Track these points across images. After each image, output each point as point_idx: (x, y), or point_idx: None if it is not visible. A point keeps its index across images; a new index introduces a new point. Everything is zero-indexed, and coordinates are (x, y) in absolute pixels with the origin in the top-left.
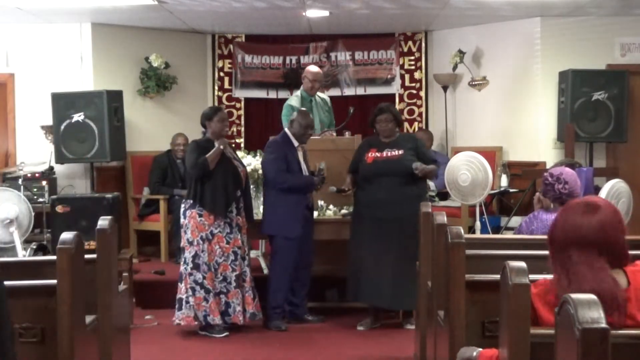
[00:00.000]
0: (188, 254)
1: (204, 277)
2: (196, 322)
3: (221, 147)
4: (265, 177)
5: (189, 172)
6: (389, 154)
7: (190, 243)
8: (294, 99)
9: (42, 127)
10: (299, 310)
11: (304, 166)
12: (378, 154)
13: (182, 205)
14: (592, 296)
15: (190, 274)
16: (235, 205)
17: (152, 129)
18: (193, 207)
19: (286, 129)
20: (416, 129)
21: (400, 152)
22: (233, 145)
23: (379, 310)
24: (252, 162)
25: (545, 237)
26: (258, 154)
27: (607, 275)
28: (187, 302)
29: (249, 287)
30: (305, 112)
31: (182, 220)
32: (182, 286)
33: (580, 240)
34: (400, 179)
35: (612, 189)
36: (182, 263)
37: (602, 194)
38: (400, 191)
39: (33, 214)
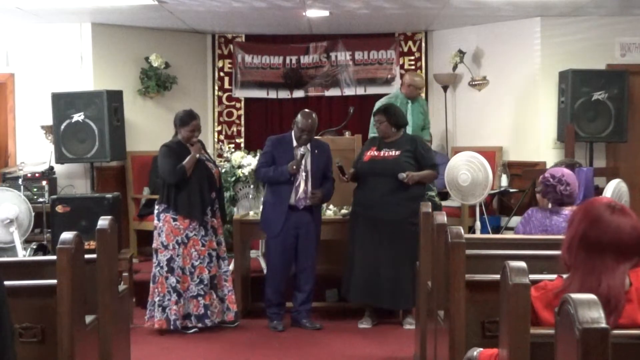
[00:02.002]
0: (162, 257)
1: (178, 282)
2: (170, 326)
3: (197, 156)
4: None
5: (163, 179)
6: (386, 154)
7: (165, 247)
8: (391, 98)
9: (42, 127)
10: (296, 315)
11: (305, 167)
12: (376, 153)
13: (157, 208)
14: (592, 296)
15: (166, 278)
16: (211, 207)
17: (152, 129)
18: (167, 212)
19: (293, 131)
20: None
21: (397, 152)
22: (233, 145)
23: (376, 308)
24: (252, 162)
25: (546, 237)
26: (258, 154)
27: (624, 279)
28: (162, 306)
29: (231, 287)
30: (307, 114)
31: (155, 222)
32: (156, 289)
33: (620, 244)
34: (394, 179)
35: (616, 189)
36: (154, 265)
37: (607, 194)
38: (394, 192)
39: (33, 214)
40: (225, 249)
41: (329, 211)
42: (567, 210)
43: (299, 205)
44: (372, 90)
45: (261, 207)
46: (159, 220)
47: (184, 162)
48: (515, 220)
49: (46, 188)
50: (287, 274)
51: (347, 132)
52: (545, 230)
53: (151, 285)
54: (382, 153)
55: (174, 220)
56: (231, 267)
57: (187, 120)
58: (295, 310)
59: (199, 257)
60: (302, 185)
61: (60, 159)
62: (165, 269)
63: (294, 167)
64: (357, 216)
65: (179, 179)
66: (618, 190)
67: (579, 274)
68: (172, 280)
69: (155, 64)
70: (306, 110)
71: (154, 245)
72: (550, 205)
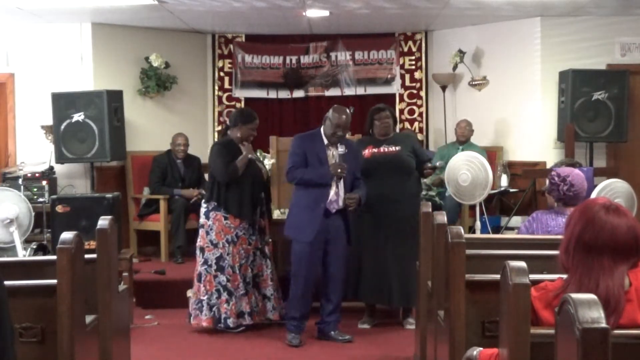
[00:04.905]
0: (211, 256)
1: (228, 280)
2: (219, 324)
3: (250, 155)
4: None
5: (217, 177)
6: (386, 149)
7: (215, 245)
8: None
9: (42, 127)
10: (325, 327)
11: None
12: (375, 150)
13: (204, 206)
14: (592, 296)
15: (215, 276)
16: (259, 207)
17: (152, 129)
18: (217, 210)
19: (321, 127)
20: (417, 129)
21: (398, 148)
22: None
23: (375, 308)
24: None
25: (546, 237)
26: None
27: (622, 280)
28: (209, 304)
29: (276, 286)
30: (341, 109)
31: (203, 220)
32: (202, 287)
33: (616, 244)
34: (398, 173)
35: (606, 189)
36: (201, 263)
37: (594, 193)
38: (398, 188)
39: (33, 213)
40: (268, 250)
41: None
42: (570, 211)
43: (332, 208)
44: (372, 90)
45: (287, 210)
46: (207, 218)
47: (236, 161)
48: (515, 220)
49: (46, 188)
50: (314, 283)
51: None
52: (548, 232)
53: (196, 283)
54: (382, 149)
55: (225, 218)
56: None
57: (250, 118)
58: (323, 322)
59: (246, 255)
60: (334, 187)
61: (60, 159)
62: (214, 267)
63: (339, 170)
64: (362, 214)
65: (231, 178)
66: (609, 190)
67: (577, 275)
68: (222, 278)
69: (155, 64)
70: (339, 105)
71: (200, 243)
72: (555, 205)
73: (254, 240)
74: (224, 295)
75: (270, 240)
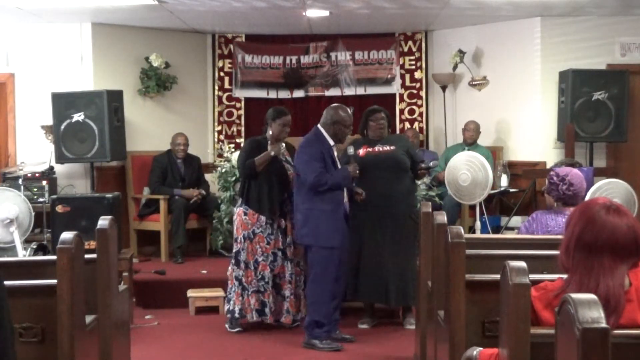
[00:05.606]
0: (234, 250)
1: (242, 275)
2: (228, 315)
3: (272, 153)
4: (303, 181)
5: (239, 171)
6: (381, 149)
7: (235, 240)
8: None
9: (42, 127)
10: None
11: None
12: (370, 149)
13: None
14: (593, 296)
15: (234, 270)
16: (281, 207)
17: (152, 129)
18: (241, 206)
19: (319, 126)
20: (417, 129)
21: (392, 147)
22: (233, 145)
23: (374, 308)
24: None
25: (546, 237)
26: None
27: (622, 280)
28: (228, 297)
29: (293, 289)
30: (344, 108)
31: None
32: (229, 281)
33: (616, 244)
34: (393, 171)
35: (601, 189)
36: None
37: (588, 194)
38: (394, 186)
39: (33, 213)
40: (294, 252)
41: None
42: (570, 211)
43: (347, 209)
44: (372, 90)
45: (302, 217)
46: (234, 214)
47: (256, 157)
48: (515, 220)
49: (46, 188)
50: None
51: None
52: (548, 232)
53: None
54: (376, 148)
55: (245, 214)
56: (230, 268)
57: (280, 114)
58: None
59: (263, 254)
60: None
61: (60, 159)
62: (234, 261)
63: (357, 170)
64: (359, 213)
65: (247, 174)
66: (604, 190)
67: (578, 275)
68: (238, 272)
69: (155, 64)
70: (339, 104)
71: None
72: (555, 204)
73: (272, 240)
74: (238, 289)
75: (292, 242)
